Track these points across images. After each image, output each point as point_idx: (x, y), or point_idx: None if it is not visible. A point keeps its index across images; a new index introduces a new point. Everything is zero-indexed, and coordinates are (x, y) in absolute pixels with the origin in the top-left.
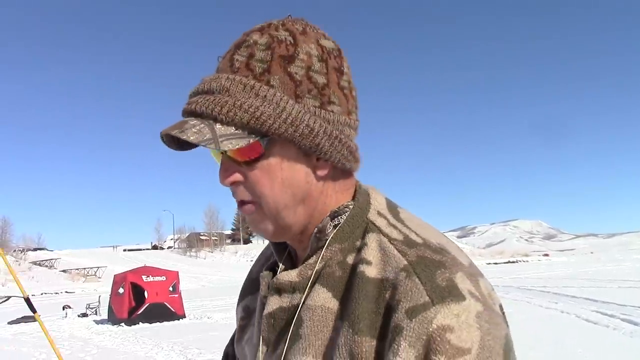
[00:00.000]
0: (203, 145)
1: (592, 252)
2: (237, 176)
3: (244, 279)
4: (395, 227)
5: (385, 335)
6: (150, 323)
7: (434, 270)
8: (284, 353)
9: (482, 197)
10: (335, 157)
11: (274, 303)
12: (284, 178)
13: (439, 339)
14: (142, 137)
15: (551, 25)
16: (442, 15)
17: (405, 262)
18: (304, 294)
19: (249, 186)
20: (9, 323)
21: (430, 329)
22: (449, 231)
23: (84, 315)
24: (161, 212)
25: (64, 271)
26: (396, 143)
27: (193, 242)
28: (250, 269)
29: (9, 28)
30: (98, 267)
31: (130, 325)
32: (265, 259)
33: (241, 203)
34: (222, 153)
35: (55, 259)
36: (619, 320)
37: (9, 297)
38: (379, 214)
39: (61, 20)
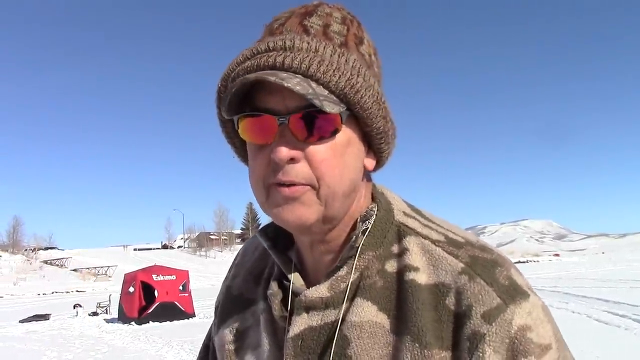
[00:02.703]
0: (309, 98)
1: (603, 252)
2: (298, 152)
3: (220, 298)
4: (429, 227)
5: (459, 344)
6: (160, 322)
7: (493, 269)
8: None
9: (492, 196)
10: (389, 150)
11: (301, 323)
12: (347, 162)
13: (523, 340)
14: (153, 137)
15: (564, 24)
16: (457, 18)
17: (462, 265)
18: (339, 309)
19: (312, 164)
20: (21, 321)
21: (512, 332)
22: None
23: (95, 314)
24: (171, 211)
25: (74, 270)
26: (406, 143)
27: (203, 241)
28: (227, 286)
29: (39, 28)
30: (108, 267)
31: (141, 324)
32: (246, 273)
33: (288, 184)
34: (278, 126)
35: (66, 258)
36: (630, 320)
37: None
38: (405, 214)
39: (76, 20)
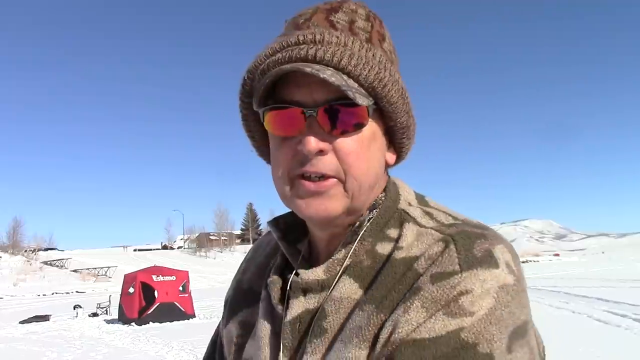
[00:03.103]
0: (344, 89)
1: (603, 252)
2: (327, 144)
3: (230, 293)
4: (430, 214)
5: (401, 299)
6: (160, 322)
7: (474, 240)
8: (305, 349)
9: (491, 196)
10: (409, 145)
11: (299, 306)
12: (372, 155)
13: (456, 301)
14: (153, 137)
15: (565, 25)
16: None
17: (443, 235)
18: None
19: (340, 156)
20: (21, 322)
21: (451, 295)
22: None
23: (95, 314)
24: (171, 212)
25: (74, 271)
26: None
27: (203, 242)
28: (238, 280)
29: (38, 26)
30: (108, 267)
31: (141, 325)
32: (256, 267)
33: (314, 177)
34: (306, 118)
35: (66, 259)
36: (630, 320)
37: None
38: (410, 204)
39: (76, 20)
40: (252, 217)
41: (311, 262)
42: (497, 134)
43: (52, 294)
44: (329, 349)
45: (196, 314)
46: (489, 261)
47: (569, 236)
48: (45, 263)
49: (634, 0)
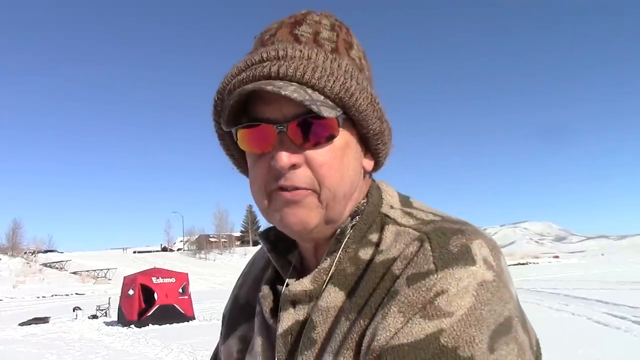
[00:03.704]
0: (307, 104)
1: (602, 254)
2: (299, 158)
3: (228, 308)
4: (410, 214)
5: (381, 304)
6: (160, 325)
7: (450, 236)
8: None
9: (491, 198)
10: (386, 150)
11: (289, 318)
12: (346, 164)
13: (432, 303)
14: (153, 140)
15: (563, 28)
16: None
17: (419, 234)
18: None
19: (312, 169)
20: (20, 325)
21: (428, 297)
22: None
23: (94, 317)
24: (171, 214)
25: (74, 273)
26: (405, 145)
27: (202, 243)
28: (235, 295)
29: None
30: (108, 269)
31: (140, 327)
32: (252, 281)
33: (293, 189)
34: (277, 134)
35: (66, 261)
36: (630, 322)
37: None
38: (392, 207)
39: (75, 22)
40: (251, 219)
41: (302, 272)
42: (496, 137)
43: (52, 296)
44: (319, 359)
45: (196, 316)
46: (465, 258)
47: (568, 238)
48: (45, 265)
49: (631, 4)
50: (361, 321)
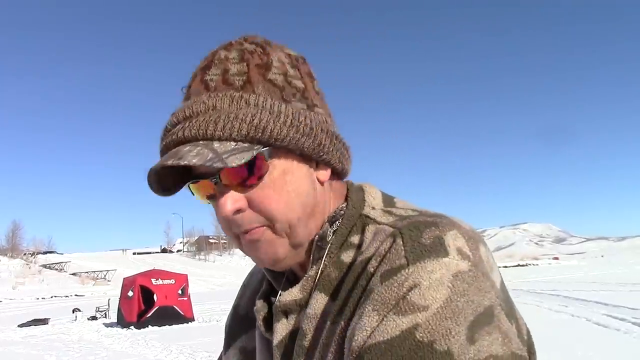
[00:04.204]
0: (209, 165)
1: (602, 256)
2: (243, 202)
3: (229, 319)
4: (389, 213)
5: (359, 304)
6: (159, 326)
7: (423, 229)
8: None
9: (491, 200)
10: (336, 156)
11: (282, 329)
12: (291, 190)
13: (405, 298)
14: (152, 141)
15: (565, 27)
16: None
17: (393, 229)
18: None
19: (256, 208)
20: (19, 326)
21: (401, 293)
22: None
23: (94, 318)
24: (170, 215)
25: (73, 274)
26: (406, 147)
27: (202, 245)
28: (235, 306)
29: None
30: (107, 271)
31: (140, 329)
32: (251, 292)
33: (246, 231)
34: (215, 184)
35: (65, 262)
36: (630, 324)
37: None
38: (373, 208)
39: (78, 22)
40: None
41: (294, 283)
42: (495, 138)
43: (51, 297)
44: None
45: (195, 318)
46: (438, 250)
47: (568, 239)
48: (44, 266)
49: (632, 4)
50: (342, 322)
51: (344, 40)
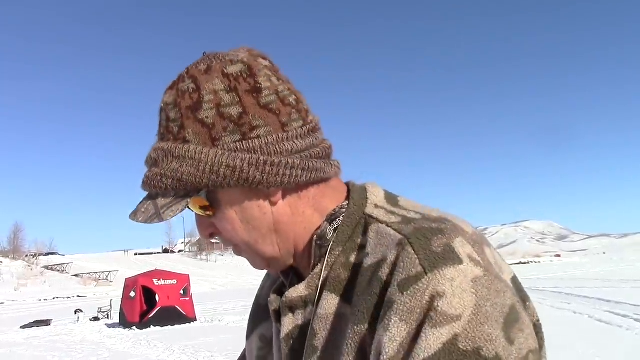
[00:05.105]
0: (149, 223)
1: (604, 253)
2: (212, 228)
3: (253, 307)
4: (393, 213)
5: (378, 314)
6: (161, 326)
7: (431, 237)
8: None
9: (492, 198)
10: (276, 180)
11: (289, 323)
12: (241, 219)
13: (432, 307)
14: (151, 142)
15: (570, 24)
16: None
17: (401, 237)
18: (315, 306)
19: (221, 234)
20: (22, 327)
21: (425, 301)
22: None
23: (96, 319)
24: None
25: (76, 275)
26: (408, 145)
27: (204, 245)
28: (257, 295)
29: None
30: (109, 272)
31: (142, 329)
32: (271, 283)
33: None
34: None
35: (67, 264)
36: (632, 320)
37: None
38: (377, 206)
39: (83, 22)
40: None
41: (301, 279)
42: (498, 135)
43: (53, 298)
44: None
45: (197, 318)
46: (452, 257)
47: (570, 237)
48: (46, 268)
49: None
50: (356, 327)
51: (343, 41)
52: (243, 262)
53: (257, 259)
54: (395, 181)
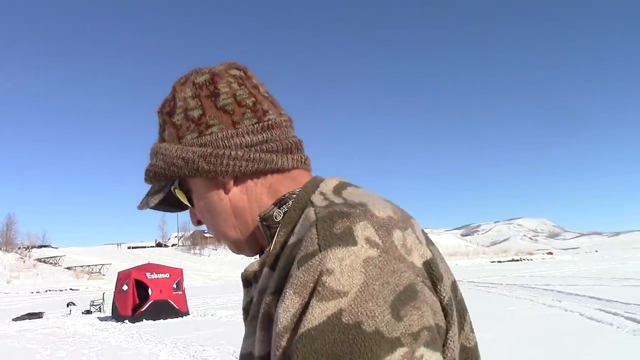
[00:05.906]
0: (144, 209)
1: (596, 251)
2: (196, 217)
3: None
4: (327, 199)
5: (282, 289)
6: (154, 320)
7: (336, 220)
8: (244, 334)
9: (485, 195)
10: (221, 169)
11: (245, 296)
12: (204, 206)
13: (321, 283)
14: (147, 135)
15: (562, 23)
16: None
17: (314, 219)
18: None
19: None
20: (14, 320)
21: (314, 277)
22: (453, 229)
23: (88, 312)
24: None
25: (68, 268)
26: (400, 144)
27: (197, 239)
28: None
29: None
30: (102, 265)
31: (134, 322)
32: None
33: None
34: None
35: (60, 257)
36: (622, 318)
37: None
38: (321, 193)
39: (74, 19)
40: None
41: None
42: (492, 133)
43: (46, 291)
44: (253, 334)
45: (190, 312)
46: (347, 239)
47: (562, 235)
48: (39, 260)
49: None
50: (266, 298)
51: (343, 41)
52: (236, 256)
53: (227, 242)
54: (386, 179)
